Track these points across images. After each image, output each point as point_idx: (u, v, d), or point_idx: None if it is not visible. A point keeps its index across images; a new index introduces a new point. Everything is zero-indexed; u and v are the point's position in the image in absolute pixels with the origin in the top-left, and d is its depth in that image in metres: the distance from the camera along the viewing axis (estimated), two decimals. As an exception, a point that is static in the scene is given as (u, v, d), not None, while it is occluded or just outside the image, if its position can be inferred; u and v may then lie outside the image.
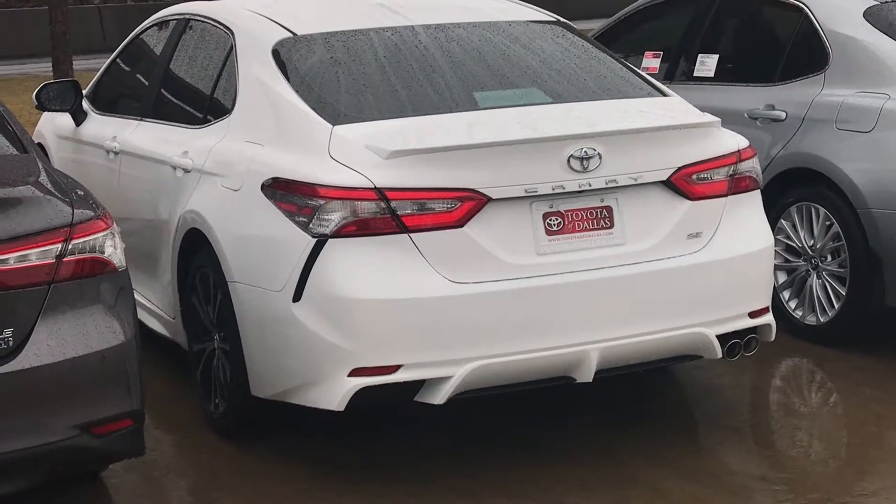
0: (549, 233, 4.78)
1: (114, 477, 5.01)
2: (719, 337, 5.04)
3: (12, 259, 3.91)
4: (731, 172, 5.11)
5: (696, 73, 7.29)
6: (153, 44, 6.70)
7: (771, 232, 5.36)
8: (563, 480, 4.89)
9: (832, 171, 6.25)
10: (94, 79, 7.41)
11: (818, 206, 6.35)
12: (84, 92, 7.19)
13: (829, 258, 6.32)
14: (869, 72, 6.33)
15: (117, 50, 7.26)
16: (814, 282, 6.42)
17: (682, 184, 4.98)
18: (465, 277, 4.64)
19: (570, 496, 4.76)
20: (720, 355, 5.08)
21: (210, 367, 5.36)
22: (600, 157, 4.76)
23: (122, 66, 7.13)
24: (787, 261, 6.57)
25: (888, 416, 5.59)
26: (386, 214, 4.58)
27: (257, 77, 5.35)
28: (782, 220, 6.54)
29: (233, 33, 5.72)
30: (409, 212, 4.60)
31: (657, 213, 4.96)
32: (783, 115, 6.61)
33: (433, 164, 4.66)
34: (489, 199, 4.66)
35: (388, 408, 5.16)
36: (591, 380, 4.83)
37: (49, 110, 7.28)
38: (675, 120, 5.15)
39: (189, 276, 5.51)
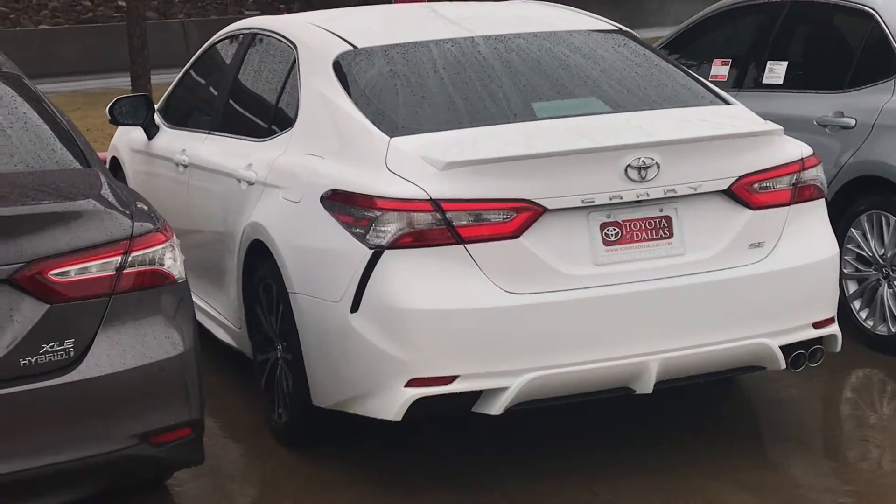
0: (606, 243, 4.76)
1: (178, 485, 5.06)
2: (783, 348, 4.98)
3: (73, 271, 3.96)
4: (793, 181, 5.05)
5: (764, 81, 7.22)
6: (222, 58, 6.78)
7: (836, 241, 5.26)
8: (622, 491, 4.86)
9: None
10: (166, 93, 7.49)
11: (889, 214, 6.26)
12: (156, 106, 7.32)
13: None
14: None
15: (187, 64, 7.35)
16: (885, 291, 6.32)
17: (744, 193, 4.93)
18: (521, 288, 4.63)
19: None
20: (784, 366, 5.02)
21: (274, 376, 5.40)
22: (658, 167, 4.74)
23: (192, 80, 7.21)
24: (857, 270, 6.48)
25: None
26: (442, 226, 4.59)
27: (318, 90, 5.39)
28: (852, 229, 6.46)
29: (296, 47, 5.77)
30: (464, 223, 4.60)
31: (717, 223, 4.91)
32: (853, 122, 6.52)
33: (488, 175, 4.65)
34: (545, 210, 4.65)
35: (448, 417, 5.14)
36: (650, 391, 4.79)
37: (122, 124, 7.37)
38: (735, 128, 5.10)
39: (253, 287, 5.55)
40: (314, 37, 5.74)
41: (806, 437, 5.52)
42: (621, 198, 4.74)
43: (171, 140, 6.80)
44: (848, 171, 6.47)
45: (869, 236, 6.39)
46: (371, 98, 5.21)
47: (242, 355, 5.91)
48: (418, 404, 4.63)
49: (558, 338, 4.67)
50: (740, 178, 4.91)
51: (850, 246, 6.47)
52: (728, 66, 7.54)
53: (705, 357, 4.87)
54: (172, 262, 4.26)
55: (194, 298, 6.42)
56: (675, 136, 4.90)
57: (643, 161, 4.71)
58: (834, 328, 5.17)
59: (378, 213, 4.65)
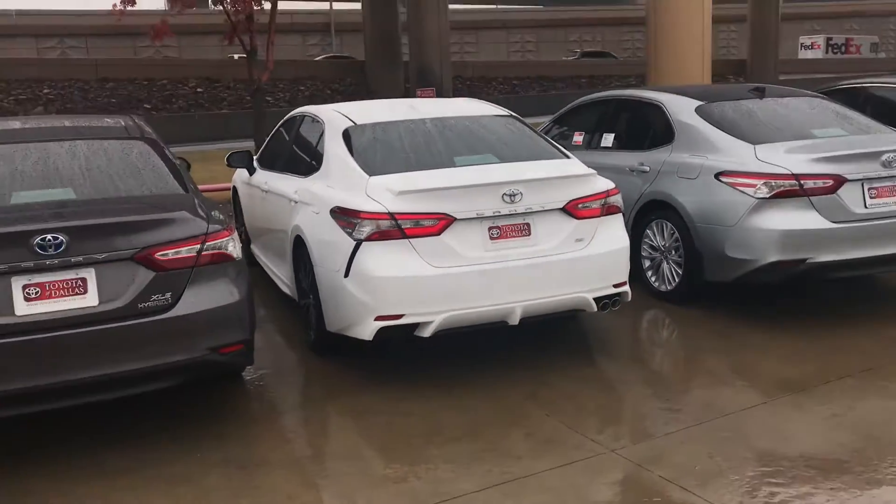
0: (491, 239, 4.80)
1: (251, 377, 5.11)
2: (595, 299, 5.08)
3: (171, 253, 4.02)
4: (602, 203, 5.12)
5: (601, 145, 7.27)
6: (288, 128, 6.80)
7: (627, 238, 5.28)
8: (513, 377, 4.93)
9: (674, 202, 6.18)
10: (261, 149, 7.60)
11: (667, 221, 6.31)
12: (255, 156, 7.40)
13: (673, 252, 6.28)
14: (697, 145, 6.24)
15: (272, 132, 7.41)
16: (664, 265, 6.40)
17: (572, 210, 4.97)
18: (441, 264, 4.68)
19: (504, 390, 4.79)
20: (596, 309, 5.08)
21: (308, 312, 5.43)
22: (522, 195, 4.81)
23: (273, 141, 7.21)
24: (650, 254, 6.53)
25: (701, 344, 5.50)
26: (395, 228, 4.67)
27: (335, 149, 5.43)
28: (647, 230, 6.46)
29: (324, 122, 5.83)
30: (409, 226, 4.66)
31: (557, 227, 4.94)
32: (648, 168, 6.55)
33: (423, 199, 4.71)
34: (455, 219, 4.71)
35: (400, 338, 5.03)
36: (517, 323, 4.86)
37: (233, 167, 7.39)
38: (567, 172, 5.13)
39: (297, 261, 5.58)
40: (334, 117, 5.78)
41: (606, 348, 5.53)
42: (500, 212, 4.77)
43: (261, 177, 6.79)
44: (645, 197, 6.47)
45: (656, 234, 6.45)
46: (361, 153, 5.22)
47: (293, 300, 5.93)
48: (382, 330, 4.70)
49: (462, 292, 4.71)
50: (570, 201, 4.96)
51: (646, 240, 6.50)
52: (582, 136, 7.59)
53: (550, 304, 4.92)
54: (233, 248, 4.27)
55: (270, 266, 6.58)
56: (531, 177, 4.92)
57: (513, 191, 4.78)
58: (626, 288, 5.20)
59: (359, 220, 4.73)
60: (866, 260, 5.65)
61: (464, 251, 4.75)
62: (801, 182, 5.56)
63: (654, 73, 19.66)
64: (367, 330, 4.72)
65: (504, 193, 4.79)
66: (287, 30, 44.27)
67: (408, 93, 29.02)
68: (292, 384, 5.12)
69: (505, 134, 5.62)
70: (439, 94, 31.68)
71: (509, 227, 4.87)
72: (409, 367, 5.22)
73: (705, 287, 6.14)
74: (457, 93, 34.15)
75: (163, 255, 4.00)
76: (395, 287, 4.68)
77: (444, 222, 4.71)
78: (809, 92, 7.03)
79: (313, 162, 5.70)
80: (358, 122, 5.56)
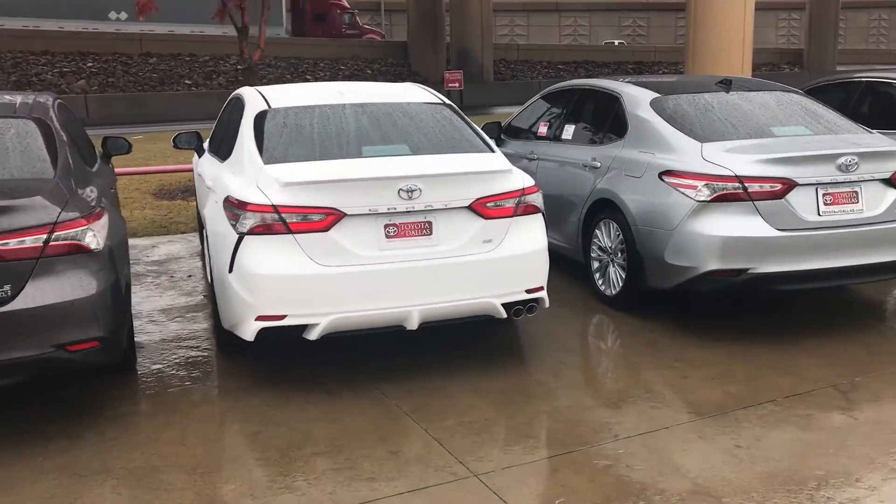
0: (387, 237, 4.43)
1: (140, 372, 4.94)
2: (506, 304, 4.70)
3: (12, 243, 3.72)
4: (517, 202, 4.71)
5: (563, 137, 6.80)
6: (226, 109, 6.33)
7: (545, 239, 4.83)
8: (408, 386, 4.59)
9: (619, 201, 5.72)
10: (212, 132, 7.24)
11: (613, 222, 5.86)
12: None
13: (619, 255, 5.83)
14: (647, 141, 5.77)
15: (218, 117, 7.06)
16: (611, 268, 5.96)
17: (480, 208, 4.57)
18: (329, 262, 4.33)
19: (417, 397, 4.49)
20: (505, 315, 4.68)
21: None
22: (421, 191, 4.44)
23: (217, 122, 6.82)
24: (598, 255, 6.10)
25: (628, 357, 5.08)
26: (279, 222, 4.34)
27: (244, 133, 5.08)
28: (596, 230, 6.03)
29: (244, 104, 5.52)
30: (294, 220, 4.32)
31: (462, 227, 4.55)
32: (599, 164, 6.11)
33: (310, 191, 4.36)
34: (345, 215, 4.37)
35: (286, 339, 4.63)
36: (416, 328, 4.51)
37: (179, 149, 6.66)
38: (475, 168, 4.70)
39: (205, 254, 5.19)
40: (253, 99, 5.47)
41: (525, 356, 5.08)
42: (396, 209, 4.41)
43: (203, 160, 6.43)
44: (594, 195, 6.01)
45: (604, 235, 6.02)
46: (265, 139, 4.86)
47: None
48: (264, 331, 4.38)
49: (352, 294, 4.36)
50: (477, 199, 4.57)
51: (595, 241, 6.09)
52: (547, 127, 7.15)
53: (451, 308, 4.55)
54: (92, 238, 3.95)
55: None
56: (433, 172, 4.53)
57: (410, 186, 4.40)
58: (542, 294, 4.79)
59: (243, 213, 4.40)
60: (816, 272, 5.13)
61: (356, 249, 4.40)
62: (745, 185, 5.05)
63: (692, 62, 18.88)
64: (248, 330, 4.41)
65: (401, 189, 4.41)
66: (337, 9, 44.14)
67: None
68: (177, 385, 4.78)
69: (429, 124, 5.22)
70: (479, 77, 31.21)
71: (407, 225, 4.50)
72: (302, 369, 4.90)
73: (651, 293, 5.67)
74: (499, 76, 33.60)
75: (2, 244, 3.73)
76: (277, 286, 4.35)
77: (332, 217, 4.36)
78: (783, 86, 6.45)
79: (230, 147, 5.37)
80: (272, 106, 5.22)
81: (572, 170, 6.40)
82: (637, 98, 6.05)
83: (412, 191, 4.43)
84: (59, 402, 4.48)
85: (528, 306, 4.80)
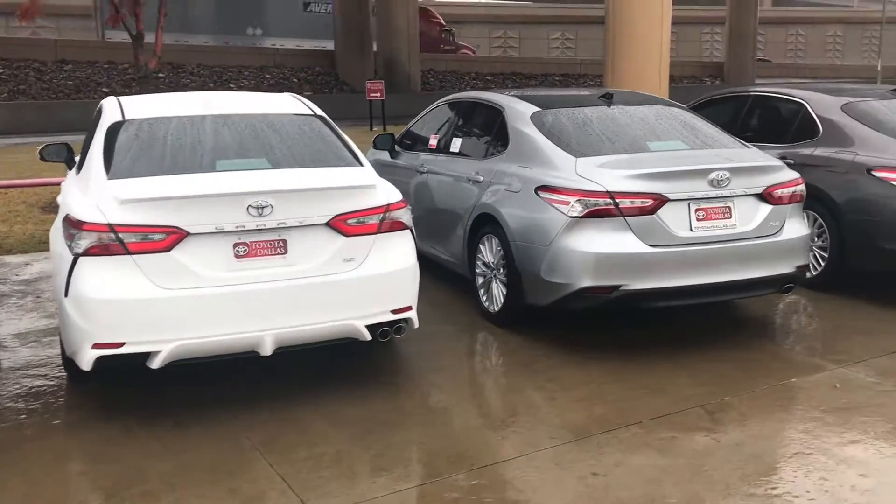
0: (237, 256, 4.15)
1: None
2: (370, 326, 4.49)
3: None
4: (380, 218, 4.48)
5: (451, 150, 6.63)
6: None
7: (413, 257, 4.62)
8: (264, 417, 4.30)
9: (500, 216, 5.54)
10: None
11: (495, 237, 5.68)
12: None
13: (501, 271, 5.65)
14: (526, 155, 5.61)
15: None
16: (494, 284, 5.78)
17: (339, 225, 4.33)
18: (171, 285, 4.03)
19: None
20: (369, 338, 4.44)
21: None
22: (272, 207, 4.17)
23: None
24: (483, 271, 5.91)
25: (500, 378, 4.96)
26: (116, 242, 4.02)
27: (93, 145, 4.74)
28: (480, 246, 5.87)
29: (101, 114, 5.17)
30: (133, 240, 4.01)
31: (320, 245, 4.30)
32: (482, 179, 5.95)
33: (150, 209, 4.05)
34: (188, 234, 4.08)
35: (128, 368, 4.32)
36: (270, 353, 4.23)
37: (46, 161, 6.13)
38: (335, 183, 4.46)
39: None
40: (110, 108, 5.14)
41: (396, 380, 4.86)
42: (245, 227, 4.14)
43: None
44: (477, 209, 5.83)
45: (487, 251, 5.86)
46: (115, 153, 4.54)
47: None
48: (102, 359, 4.04)
49: (198, 319, 4.07)
50: (336, 216, 4.32)
51: (479, 256, 5.92)
52: (437, 139, 6.96)
53: (309, 332, 4.28)
54: None
55: None
56: (286, 188, 4.27)
57: (260, 203, 4.13)
58: (410, 314, 4.57)
59: (79, 232, 4.07)
60: (689, 289, 5.04)
61: (201, 271, 4.12)
62: (617, 200, 4.93)
63: (611, 74, 19.05)
64: (84, 358, 4.08)
65: (250, 205, 4.15)
66: (266, 17, 43.54)
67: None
68: (12, 419, 4.39)
69: (295, 136, 4.97)
70: (406, 87, 31.00)
71: (259, 243, 4.23)
72: (156, 397, 4.60)
73: (533, 310, 5.50)
74: (427, 86, 33.44)
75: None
76: (113, 311, 4.03)
77: (175, 237, 4.07)
78: (665, 100, 6.40)
79: (83, 160, 5.00)
80: (127, 117, 4.91)
81: (458, 184, 6.22)
82: (519, 112, 5.91)
83: (262, 207, 4.17)
84: None
85: (396, 327, 4.58)
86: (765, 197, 5.24)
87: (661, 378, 4.84)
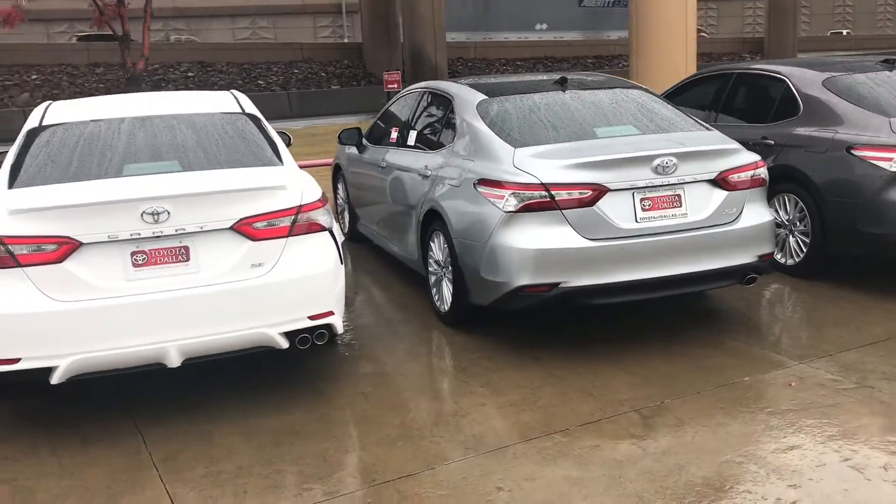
0: (134, 265, 3.97)
1: None
2: (286, 333, 4.24)
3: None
4: (292, 220, 4.25)
5: (408, 143, 6.37)
6: None
7: (333, 259, 4.34)
8: (173, 430, 4.15)
9: (443, 212, 5.26)
10: None
11: (441, 234, 5.42)
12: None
13: (448, 269, 5.36)
14: (471, 146, 5.29)
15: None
16: (444, 283, 5.46)
17: (245, 229, 4.11)
18: (65, 297, 3.87)
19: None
20: (286, 346, 4.22)
21: None
22: (169, 213, 3.97)
23: None
24: (434, 269, 5.60)
25: (429, 383, 4.68)
26: (6, 254, 3.85)
27: (9, 151, 4.64)
28: (431, 242, 5.59)
29: (27, 120, 5.00)
30: (24, 252, 3.84)
31: (225, 250, 4.09)
32: (430, 173, 5.67)
33: (39, 219, 3.89)
34: (81, 244, 3.91)
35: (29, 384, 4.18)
36: (178, 365, 4.04)
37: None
38: (237, 185, 4.21)
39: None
40: (35, 114, 4.96)
41: (372, 375, 4.61)
42: (140, 234, 3.94)
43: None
44: (426, 205, 5.56)
45: (436, 248, 5.57)
46: (26, 160, 4.40)
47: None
48: (3, 376, 3.90)
49: (94, 331, 3.89)
50: (241, 219, 4.10)
51: (430, 254, 5.64)
52: (397, 132, 6.71)
53: (217, 342, 4.07)
54: None
55: None
56: (182, 192, 4.04)
57: (155, 209, 3.94)
58: (331, 319, 4.31)
59: None
60: (635, 284, 4.71)
61: (97, 281, 3.95)
62: (552, 192, 4.63)
63: (635, 55, 18.59)
64: (-16, 374, 3.95)
65: (144, 212, 3.96)
66: (298, 11, 43.68)
67: (407, 75, 28.13)
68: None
69: (215, 137, 4.76)
70: (433, 76, 30.71)
71: (159, 251, 4.04)
72: (70, 410, 4.47)
73: (478, 310, 5.23)
74: (455, 75, 33.13)
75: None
76: (5, 326, 3.87)
77: (67, 247, 3.90)
78: (626, 82, 6.04)
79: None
80: (45, 123, 4.77)
81: (410, 178, 5.98)
82: (466, 101, 5.62)
83: (157, 213, 3.97)
84: None
85: (317, 334, 4.36)
86: (718, 182, 4.89)
87: (602, 380, 4.54)
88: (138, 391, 4.64)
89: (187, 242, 4.08)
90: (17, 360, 3.90)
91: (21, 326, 3.89)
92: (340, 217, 8.30)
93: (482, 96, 5.55)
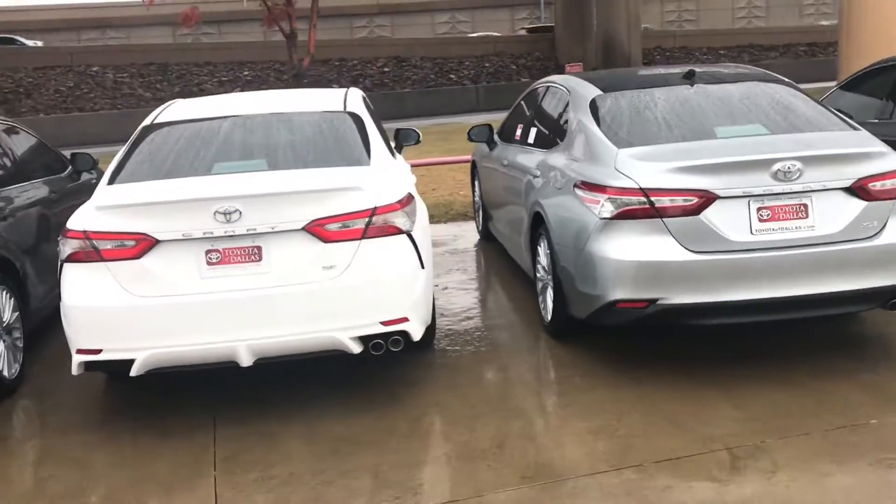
0: (209, 264, 3.99)
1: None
2: (360, 338, 4.12)
3: None
4: (366, 222, 4.09)
5: (527, 140, 5.98)
6: None
7: (410, 264, 4.15)
8: (244, 430, 4.16)
9: (545, 215, 4.91)
10: None
11: (545, 238, 5.01)
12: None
13: (551, 276, 5.03)
14: (578, 145, 4.88)
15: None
16: (548, 291, 5.05)
17: (317, 230, 4.01)
18: (143, 292, 3.95)
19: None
20: (357, 351, 4.10)
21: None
22: (240, 213, 3.95)
23: None
24: (541, 276, 5.16)
25: (535, 381, 4.33)
26: (92, 249, 4.02)
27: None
28: (538, 247, 5.16)
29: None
30: (107, 247, 3.99)
31: (297, 251, 4.01)
32: (538, 174, 5.24)
33: (123, 215, 4.02)
34: (158, 241, 3.98)
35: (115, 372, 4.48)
36: (250, 364, 4.04)
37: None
38: (311, 186, 4.11)
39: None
40: (153, 113, 5.15)
41: (452, 386, 4.44)
42: (213, 233, 3.95)
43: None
44: (532, 208, 5.17)
45: (542, 253, 5.16)
46: (131, 157, 4.57)
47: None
48: (88, 364, 4.08)
49: (170, 327, 3.96)
50: (313, 220, 4.01)
51: (538, 259, 5.20)
52: (520, 130, 6.28)
53: (288, 343, 4.02)
54: None
55: None
56: (253, 192, 4.02)
57: (227, 208, 3.93)
58: (406, 325, 4.13)
59: (63, 239, 4.11)
60: (746, 305, 4.15)
61: (173, 278, 4.00)
62: (652, 199, 4.17)
63: (846, 41, 17.02)
64: (73, 363, 4.11)
65: (216, 211, 3.96)
66: (496, 4, 43.86)
67: (598, 65, 27.47)
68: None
69: (310, 135, 4.72)
70: (626, 65, 29.69)
71: (232, 250, 4.03)
72: (172, 400, 4.59)
73: (579, 323, 4.83)
74: (655, 64, 31.87)
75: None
76: (88, 318, 4.03)
77: (145, 244, 3.98)
78: (766, 74, 5.34)
79: None
80: (156, 121, 4.95)
81: (524, 178, 5.67)
82: (581, 96, 5.22)
83: (229, 213, 3.96)
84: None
85: (392, 340, 4.20)
86: (856, 191, 4.20)
87: (700, 410, 4.04)
88: (225, 387, 4.69)
89: (260, 242, 4.05)
90: (99, 351, 4.05)
91: (103, 318, 4.03)
92: (476, 215, 8.11)
93: (597, 92, 5.13)
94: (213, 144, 4.62)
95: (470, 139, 7.06)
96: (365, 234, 4.10)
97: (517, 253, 5.96)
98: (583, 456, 3.69)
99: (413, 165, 11.71)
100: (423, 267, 4.31)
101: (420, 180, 11.97)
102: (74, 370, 4.13)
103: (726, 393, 4.18)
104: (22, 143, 6.10)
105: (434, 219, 8.98)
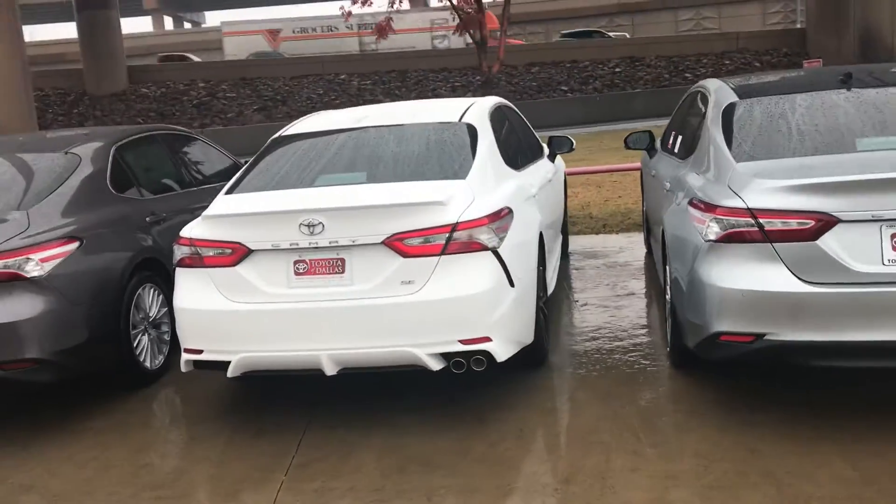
0: (297, 273, 4.09)
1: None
2: (439, 355, 4.01)
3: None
4: (446, 238, 3.97)
5: (674, 149, 5.52)
6: None
7: (494, 281, 3.98)
8: (329, 437, 4.22)
9: (665, 234, 4.54)
10: None
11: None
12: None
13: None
14: (704, 157, 4.41)
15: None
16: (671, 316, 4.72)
17: (397, 245, 3.97)
18: (237, 298, 4.13)
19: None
20: (436, 368, 4.01)
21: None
22: (323, 226, 4.00)
23: None
24: (670, 297, 4.87)
25: (635, 414, 3.97)
26: (196, 255, 4.25)
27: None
28: (666, 266, 4.85)
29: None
30: (209, 255, 4.20)
31: (377, 265, 4.00)
32: (668, 186, 4.85)
33: (221, 225, 4.23)
34: (250, 250, 4.13)
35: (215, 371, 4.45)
36: (334, 373, 4.08)
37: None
38: (390, 201, 4.07)
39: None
40: (292, 123, 5.42)
41: (542, 410, 4.24)
42: (298, 244, 4.04)
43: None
44: (660, 224, 4.86)
45: (668, 274, 4.78)
46: (254, 168, 4.80)
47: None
48: (195, 363, 4.32)
49: (260, 332, 4.11)
50: (393, 234, 3.97)
51: (667, 280, 4.89)
52: (672, 139, 5.85)
53: (367, 355, 4.03)
54: (33, 267, 4.38)
55: None
56: (337, 206, 4.06)
57: (310, 221, 4.01)
58: (485, 345, 3.98)
59: (176, 246, 4.41)
60: (876, 346, 3.51)
61: (263, 286, 4.14)
62: (760, 220, 3.65)
63: None
64: (182, 361, 4.39)
65: (301, 223, 4.04)
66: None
67: (855, 60, 25.02)
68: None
69: (416, 147, 4.69)
70: (888, 60, 26.65)
71: (318, 261, 4.10)
72: (288, 400, 4.75)
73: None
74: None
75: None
76: (191, 320, 4.28)
77: (240, 252, 4.16)
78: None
79: None
80: (284, 134, 5.18)
81: (662, 190, 5.24)
82: (717, 103, 4.70)
83: (313, 225, 4.03)
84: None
85: (474, 359, 4.05)
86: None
87: (806, 465, 3.49)
88: (327, 393, 4.76)
89: (343, 255, 4.08)
90: (201, 351, 4.29)
91: (203, 321, 4.26)
92: (644, 227, 7.64)
93: (734, 98, 4.61)
94: (324, 157, 4.74)
95: (627, 147, 6.66)
96: (445, 250, 4.00)
97: (657, 270, 5.53)
98: (653, 502, 3.32)
99: (609, 171, 11.47)
100: (512, 285, 4.12)
101: (611, 186, 11.70)
102: (183, 367, 4.40)
103: (841, 449, 3.57)
104: (195, 152, 6.63)
105: (607, 229, 8.67)
